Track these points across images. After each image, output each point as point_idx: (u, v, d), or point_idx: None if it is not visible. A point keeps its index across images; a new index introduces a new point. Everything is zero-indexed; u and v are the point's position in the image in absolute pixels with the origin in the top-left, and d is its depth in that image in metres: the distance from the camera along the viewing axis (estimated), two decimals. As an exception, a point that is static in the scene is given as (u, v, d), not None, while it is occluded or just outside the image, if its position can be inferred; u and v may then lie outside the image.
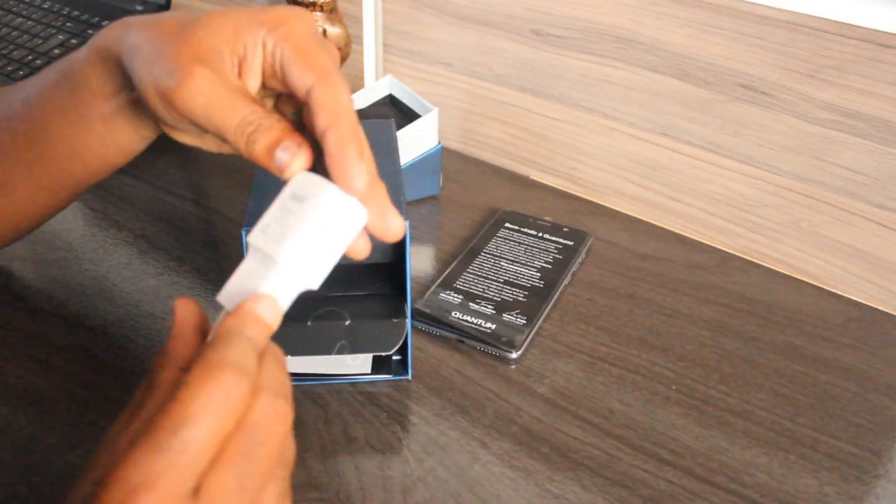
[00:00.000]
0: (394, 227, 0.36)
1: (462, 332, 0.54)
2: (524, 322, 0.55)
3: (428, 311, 0.56)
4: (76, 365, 0.51)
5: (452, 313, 0.55)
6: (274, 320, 0.33)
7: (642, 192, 0.73)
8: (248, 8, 0.39)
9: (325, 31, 0.80)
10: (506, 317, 0.56)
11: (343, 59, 0.84)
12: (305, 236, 0.33)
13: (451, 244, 0.65)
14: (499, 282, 0.59)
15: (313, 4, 0.79)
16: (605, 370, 0.53)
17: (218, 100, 0.36)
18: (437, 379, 0.52)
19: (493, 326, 0.55)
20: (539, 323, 0.56)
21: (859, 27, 0.57)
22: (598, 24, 0.69)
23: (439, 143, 0.69)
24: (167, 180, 0.72)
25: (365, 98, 0.72)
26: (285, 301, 0.34)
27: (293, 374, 0.50)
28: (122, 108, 0.44)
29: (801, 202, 0.64)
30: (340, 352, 0.49)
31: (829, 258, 0.65)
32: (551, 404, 0.50)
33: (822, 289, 0.62)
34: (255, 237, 0.34)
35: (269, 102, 0.42)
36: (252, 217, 0.44)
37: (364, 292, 0.51)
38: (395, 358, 0.52)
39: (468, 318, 0.55)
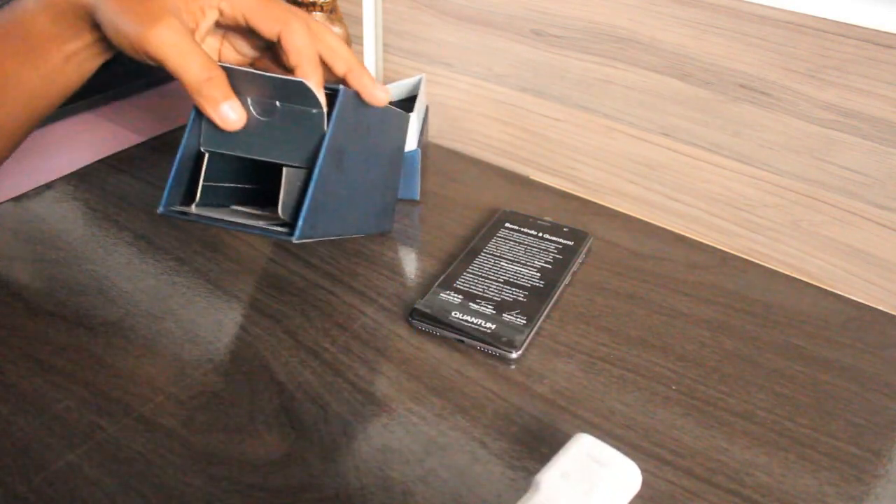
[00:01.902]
0: (379, 96, 0.51)
1: (462, 332, 0.54)
2: (524, 322, 0.55)
3: (428, 311, 0.56)
4: (76, 365, 0.51)
5: (452, 313, 0.55)
6: None
7: (642, 192, 0.73)
8: None
9: (325, 31, 0.80)
10: (506, 317, 0.56)
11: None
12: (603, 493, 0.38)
13: (451, 244, 0.65)
14: (499, 282, 0.59)
15: (313, 4, 0.78)
16: (605, 370, 0.53)
17: (182, 49, 0.46)
18: (437, 379, 0.52)
19: (493, 326, 0.55)
20: (539, 323, 0.56)
21: (859, 27, 0.57)
22: (598, 24, 0.69)
23: (417, 147, 0.68)
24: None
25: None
26: None
27: (200, 217, 0.51)
28: (85, 46, 0.52)
29: (800, 202, 0.64)
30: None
31: (829, 258, 0.65)
32: (551, 404, 0.50)
33: (822, 289, 0.62)
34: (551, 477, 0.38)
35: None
36: (172, 195, 0.51)
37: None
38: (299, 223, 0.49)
39: (468, 318, 0.55)
